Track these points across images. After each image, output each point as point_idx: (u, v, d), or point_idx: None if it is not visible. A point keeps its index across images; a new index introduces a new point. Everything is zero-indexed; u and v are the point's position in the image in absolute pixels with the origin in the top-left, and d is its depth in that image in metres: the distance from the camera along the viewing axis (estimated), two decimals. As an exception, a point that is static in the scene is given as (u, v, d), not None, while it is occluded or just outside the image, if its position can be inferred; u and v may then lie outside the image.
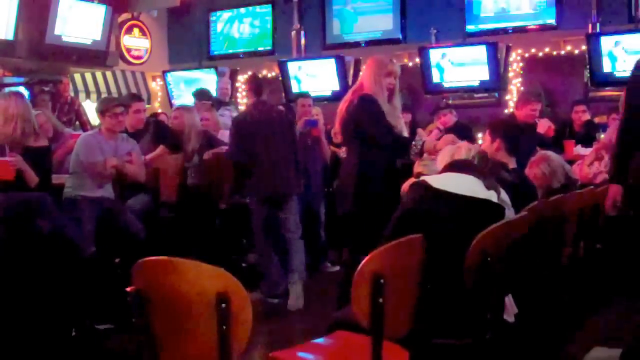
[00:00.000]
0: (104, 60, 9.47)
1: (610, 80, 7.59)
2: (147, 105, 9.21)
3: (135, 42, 10.41)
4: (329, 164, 6.79)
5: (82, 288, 4.54)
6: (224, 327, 1.93)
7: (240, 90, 9.89)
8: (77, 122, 8.08)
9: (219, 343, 1.95)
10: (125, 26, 10.25)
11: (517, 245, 2.81)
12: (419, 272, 2.46)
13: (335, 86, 8.82)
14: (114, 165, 5.05)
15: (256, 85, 5.69)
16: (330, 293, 4.39)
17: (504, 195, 3.01)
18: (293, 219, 5.64)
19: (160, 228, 5.57)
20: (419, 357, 2.52)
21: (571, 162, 5.58)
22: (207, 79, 9.64)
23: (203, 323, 1.96)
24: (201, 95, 7.64)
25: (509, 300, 2.90)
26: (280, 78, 9.36)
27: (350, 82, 8.44)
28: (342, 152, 5.82)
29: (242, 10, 10.30)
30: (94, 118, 7.22)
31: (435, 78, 8.46)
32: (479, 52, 8.15)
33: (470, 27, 8.58)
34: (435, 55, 8.42)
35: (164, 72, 10.46)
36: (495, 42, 8.07)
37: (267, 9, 10.09)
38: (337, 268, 6.39)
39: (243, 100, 9.63)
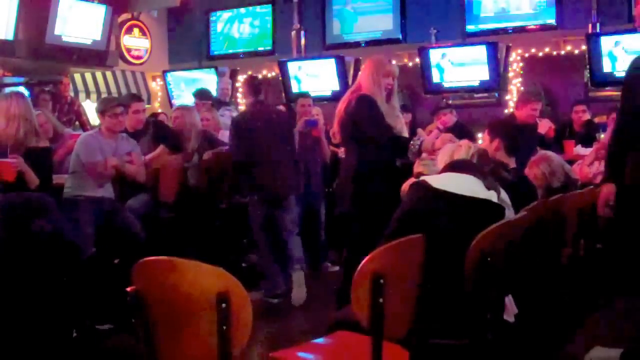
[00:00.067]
0: (104, 60, 9.47)
1: (610, 80, 7.58)
2: (147, 105, 9.22)
3: (135, 42, 10.41)
4: (329, 164, 6.80)
5: (82, 288, 4.53)
6: (224, 327, 1.93)
7: (240, 90, 9.89)
8: (77, 122, 8.08)
9: (219, 343, 1.95)
10: (125, 26, 10.25)
11: (517, 245, 2.81)
12: (419, 272, 2.46)
13: (336, 86, 8.82)
14: (114, 165, 5.06)
15: (254, 85, 5.72)
16: (330, 293, 4.39)
17: (504, 195, 3.01)
18: (291, 218, 5.69)
19: (160, 228, 5.57)
20: (419, 357, 2.52)
21: (571, 162, 5.58)
22: (207, 79, 9.64)
23: (203, 323, 1.96)
24: (202, 95, 7.64)
25: (509, 300, 2.90)
26: (280, 78, 9.36)
27: (350, 82, 8.44)
28: (342, 152, 5.83)
29: (242, 10, 10.30)
30: (94, 118, 7.22)
31: (435, 78, 8.46)
32: (479, 52, 8.15)
33: (470, 27, 8.58)
34: (435, 55, 8.42)
35: (164, 72, 10.46)
36: (495, 42, 8.07)
37: (267, 9, 10.09)
38: (337, 268, 6.39)
39: (243, 101, 9.62)
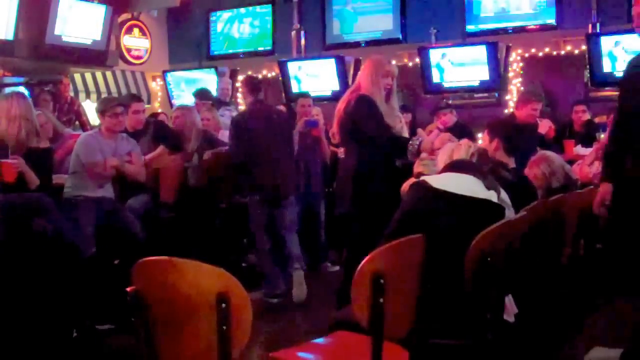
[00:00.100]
0: (104, 60, 9.47)
1: (610, 80, 7.58)
2: (147, 105, 9.22)
3: (135, 42, 10.41)
4: (329, 164, 6.80)
5: (82, 288, 4.53)
6: (224, 327, 1.93)
7: (240, 90, 9.89)
8: (77, 122, 8.08)
9: (219, 343, 1.95)
10: (125, 26, 10.25)
11: (517, 245, 2.81)
12: (419, 272, 2.46)
13: (336, 86, 8.81)
14: (114, 165, 5.06)
15: (252, 85, 5.74)
16: (330, 293, 4.39)
17: (504, 195, 3.01)
18: (290, 218, 5.72)
19: (160, 228, 5.57)
20: (419, 357, 2.52)
21: (571, 162, 5.58)
22: (207, 79, 9.64)
23: (203, 323, 1.96)
24: (202, 95, 7.64)
25: (509, 300, 2.90)
26: (280, 78, 9.35)
27: (350, 82, 8.43)
28: (341, 152, 5.84)
29: (242, 10, 10.30)
30: (94, 118, 7.21)
31: (435, 78, 8.46)
32: (479, 52, 8.14)
33: (470, 27, 8.58)
34: (435, 55, 8.42)
35: (164, 72, 10.46)
36: (495, 42, 8.07)
37: (267, 9, 10.08)
38: (337, 268, 6.40)
39: (243, 101, 9.62)
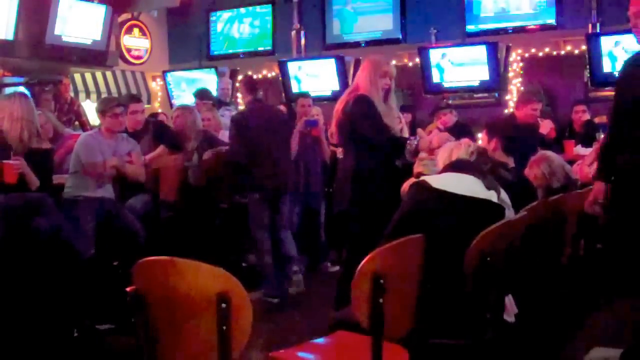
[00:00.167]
0: (104, 60, 9.47)
1: (610, 80, 7.56)
2: (147, 105, 9.23)
3: (135, 42, 10.41)
4: (329, 164, 6.80)
5: (82, 288, 4.53)
6: (224, 327, 1.94)
7: (240, 90, 9.89)
8: (77, 123, 8.08)
9: (219, 343, 1.95)
10: (125, 26, 10.25)
11: (517, 245, 2.81)
12: (419, 272, 2.46)
13: (336, 86, 8.82)
14: (114, 165, 5.06)
15: (250, 85, 5.76)
16: (330, 293, 4.39)
17: (504, 195, 3.02)
18: (287, 217, 5.79)
19: (160, 228, 5.57)
20: (419, 357, 2.52)
21: (571, 162, 5.58)
22: (207, 79, 9.64)
23: (203, 323, 1.96)
24: (202, 95, 7.64)
25: (509, 300, 2.91)
26: (280, 78, 9.35)
27: (350, 82, 8.43)
28: (340, 152, 5.86)
29: (242, 10, 10.29)
30: (93, 118, 7.21)
31: (435, 78, 8.46)
32: (479, 52, 8.14)
33: (470, 27, 8.58)
34: (435, 55, 8.42)
35: (164, 72, 10.46)
36: (495, 42, 8.07)
37: (267, 9, 10.08)
38: (337, 268, 6.39)
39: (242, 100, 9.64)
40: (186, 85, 10.08)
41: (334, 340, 2.77)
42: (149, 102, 10.41)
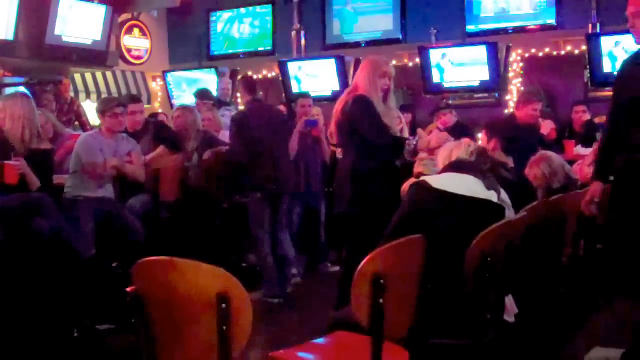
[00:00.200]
0: (104, 60, 9.46)
1: (610, 80, 7.51)
2: (147, 105, 9.23)
3: (135, 42, 10.40)
4: (329, 163, 6.80)
5: (82, 288, 4.53)
6: (224, 327, 1.93)
7: (238, 90, 9.88)
8: (77, 123, 8.08)
9: (219, 343, 1.95)
10: (125, 26, 10.25)
11: (517, 245, 2.81)
12: (419, 272, 2.46)
13: (336, 86, 8.81)
14: (114, 165, 5.06)
15: (249, 84, 5.78)
16: (330, 293, 4.39)
17: (504, 195, 3.02)
18: (286, 217, 5.81)
19: (160, 228, 5.57)
20: (419, 357, 2.51)
21: (571, 162, 5.58)
22: (207, 79, 9.64)
23: (203, 323, 1.96)
24: (203, 95, 7.64)
25: (509, 300, 2.90)
26: (280, 78, 9.35)
27: (350, 82, 8.43)
28: (339, 152, 5.88)
29: (242, 10, 10.29)
30: (93, 118, 7.21)
31: (435, 78, 8.45)
32: (479, 52, 8.14)
33: (470, 27, 8.58)
34: (435, 55, 8.41)
35: (164, 72, 10.46)
36: (495, 42, 8.07)
37: (267, 9, 10.08)
38: (337, 268, 6.39)
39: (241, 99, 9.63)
40: (186, 86, 10.08)
41: (333, 340, 2.77)
42: (149, 102, 10.41)
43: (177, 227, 5.71)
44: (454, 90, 8.50)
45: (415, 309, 2.46)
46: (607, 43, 7.55)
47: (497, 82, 8.15)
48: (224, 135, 6.37)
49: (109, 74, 10.04)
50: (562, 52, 8.28)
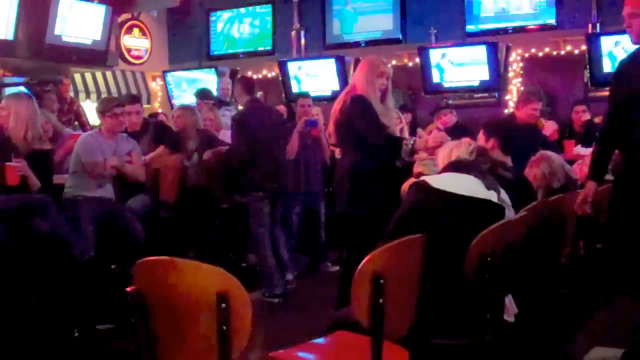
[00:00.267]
0: (104, 60, 9.46)
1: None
2: (146, 105, 9.24)
3: (135, 42, 10.41)
4: (329, 163, 6.80)
5: (83, 288, 4.53)
6: (224, 327, 1.93)
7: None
8: (77, 123, 8.08)
9: (219, 343, 1.95)
10: (125, 26, 10.25)
11: (517, 245, 2.81)
12: (419, 272, 2.46)
13: (336, 86, 8.81)
14: (114, 166, 5.06)
15: (248, 85, 5.79)
16: (330, 293, 4.39)
17: (504, 195, 3.01)
18: (281, 216, 5.86)
19: (160, 228, 5.57)
20: (419, 357, 2.52)
21: (571, 162, 5.58)
22: (207, 79, 9.64)
23: (203, 323, 1.96)
24: (203, 95, 7.64)
25: (509, 300, 2.90)
26: (280, 78, 9.36)
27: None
28: (338, 152, 5.90)
29: (242, 10, 10.30)
30: (93, 118, 7.21)
31: (435, 78, 8.46)
32: (479, 52, 8.14)
33: (470, 27, 8.58)
34: (435, 55, 8.42)
35: (164, 72, 10.46)
36: (495, 42, 8.07)
37: (267, 9, 10.09)
38: (337, 268, 6.39)
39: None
40: (187, 85, 10.08)
41: (334, 340, 2.77)
42: (148, 102, 10.41)
43: (177, 227, 5.71)
44: (454, 90, 8.50)
45: (415, 309, 2.46)
46: (607, 43, 7.55)
47: (497, 82, 8.16)
48: (224, 135, 6.37)
49: (109, 74, 10.05)
50: (562, 52, 8.28)
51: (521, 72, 8.48)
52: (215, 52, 10.53)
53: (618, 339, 3.87)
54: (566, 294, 3.75)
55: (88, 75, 9.93)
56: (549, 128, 6.07)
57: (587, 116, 7.25)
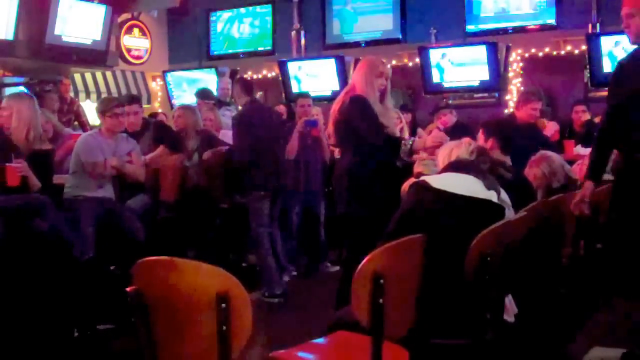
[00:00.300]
0: (104, 60, 9.47)
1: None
2: (146, 105, 9.24)
3: (135, 42, 10.41)
4: (329, 163, 6.80)
5: (83, 288, 4.53)
6: (224, 327, 1.93)
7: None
8: (77, 123, 8.08)
9: (219, 343, 1.95)
10: (125, 26, 10.25)
11: (517, 245, 2.81)
12: (419, 272, 2.46)
13: (336, 86, 8.81)
14: (114, 165, 5.06)
15: (246, 85, 5.80)
16: (330, 293, 4.39)
17: (504, 195, 3.01)
18: (277, 216, 5.93)
19: (159, 228, 5.57)
20: (419, 357, 2.52)
21: (571, 162, 5.58)
22: (208, 79, 9.65)
23: (203, 323, 1.96)
24: (204, 95, 7.65)
25: (509, 300, 2.90)
26: (280, 78, 9.36)
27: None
28: (338, 152, 5.92)
29: (242, 10, 10.30)
30: (93, 118, 7.21)
31: (435, 78, 8.46)
32: (479, 52, 8.15)
33: (470, 27, 8.58)
34: (435, 55, 8.42)
35: (164, 72, 10.46)
36: (495, 42, 8.07)
37: (267, 9, 10.09)
38: (337, 268, 6.39)
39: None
40: (187, 86, 10.09)
41: (334, 340, 2.77)
42: (149, 102, 10.42)
43: (177, 227, 5.71)
44: (454, 90, 8.50)
45: (415, 309, 2.46)
46: (607, 43, 7.55)
47: (497, 82, 8.16)
48: (224, 135, 6.37)
49: (109, 74, 10.05)
50: (562, 52, 8.28)
51: (521, 72, 8.48)
52: (215, 52, 10.53)
53: (618, 339, 3.87)
54: (566, 294, 3.75)
55: (88, 75, 9.93)
56: (551, 129, 6.08)
57: (587, 116, 7.25)
